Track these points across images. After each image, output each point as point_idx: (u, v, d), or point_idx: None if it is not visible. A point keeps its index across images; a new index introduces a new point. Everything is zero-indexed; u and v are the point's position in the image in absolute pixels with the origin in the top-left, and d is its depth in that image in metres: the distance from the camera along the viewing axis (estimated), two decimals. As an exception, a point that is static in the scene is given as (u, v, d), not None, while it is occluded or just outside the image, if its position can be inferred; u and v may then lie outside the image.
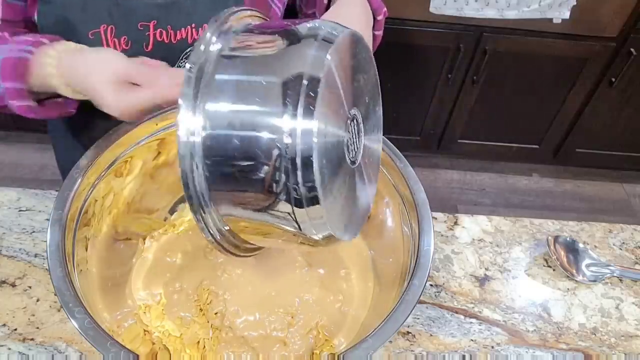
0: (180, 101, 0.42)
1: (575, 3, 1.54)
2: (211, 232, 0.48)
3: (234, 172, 0.42)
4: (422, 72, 1.74)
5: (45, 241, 0.57)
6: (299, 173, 0.39)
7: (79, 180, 0.63)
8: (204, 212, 0.46)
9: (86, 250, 0.64)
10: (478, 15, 1.58)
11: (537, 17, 1.58)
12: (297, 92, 0.38)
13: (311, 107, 0.38)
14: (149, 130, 0.71)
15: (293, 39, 0.43)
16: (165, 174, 0.77)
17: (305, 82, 0.38)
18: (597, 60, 1.72)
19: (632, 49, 1.66)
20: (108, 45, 0.70)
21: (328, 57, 0.39)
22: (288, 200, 0.41)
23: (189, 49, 0.74)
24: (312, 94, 0.38)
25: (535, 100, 1.86)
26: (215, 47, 0.44)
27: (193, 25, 0.73)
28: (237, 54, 0.44)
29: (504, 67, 1.74)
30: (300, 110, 0.38)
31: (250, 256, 0.59)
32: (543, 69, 1.75)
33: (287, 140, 0.38)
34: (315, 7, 0.84)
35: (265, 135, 0.39)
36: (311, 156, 0.38)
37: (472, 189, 2.10)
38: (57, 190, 0.62)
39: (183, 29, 0.72)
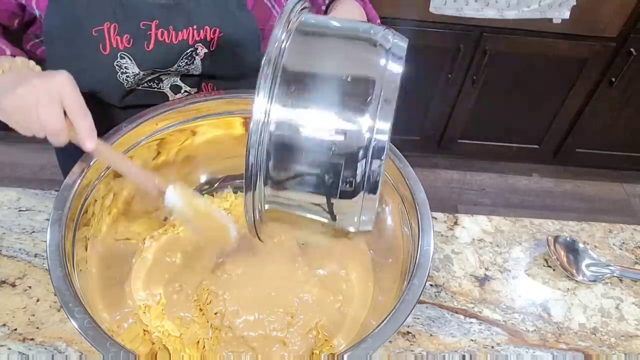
0: (257, 87, 0.43)
1: (575, 3, 1.54)
2: (253, 210, 0.48)
3: (299, 156, 0.43)
4: (422, 72, 1.74)
5: (45, 241, 0.57)
6: (367, 167, 0.42)
7: (79, 180, 0.63)
8: (255, 189, 0.45)
9: (86, 250, 0.64)
10: (478, 16, 1.58)
11: (537, 17, 1.58)
12: (377, 95, 0.42)
13: (388, 111, 0.42)
14: (148, 130, 0.71)
15: (361, 39, 0.46)
16: (165, 174, 0.77)
17: (382, 87, 0.43)
18: (597, 60, 1.72)
19: (632, 49, 1.66)
20: (111, 43, 0.71)
21: (400, 70, 0.44)
22: (345, 189, 0.43)
23: (189, 50, 0.75)
24: (389, 100, 0.42)
25: (535, 100, 1.86)
26: (284, 43, 0.44)
27: (194, 26, 0.73)
28: (308, 47, 0.46)
29: (504, 67, 1.74)
30: (379, 113, 0.42)
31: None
32: (543, 69, 1.75)
33: (367, 135, 0.42)
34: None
35: (342, 127, 0.42)
36: (383, 154, 0.42)
37: (472, 189, 2.10)
38: (57, 190, 0.62)
39: (185, 30, 0.73)
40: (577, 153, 2.03)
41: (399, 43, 0.47)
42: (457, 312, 0.76)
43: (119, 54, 0.72)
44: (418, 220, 0.62)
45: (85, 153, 0.65)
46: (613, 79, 1.74)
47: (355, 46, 0.46)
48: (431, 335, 0.73)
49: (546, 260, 0.84)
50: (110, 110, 0.81)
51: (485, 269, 0.82)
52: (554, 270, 0.82)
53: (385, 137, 0.42)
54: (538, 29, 1.62)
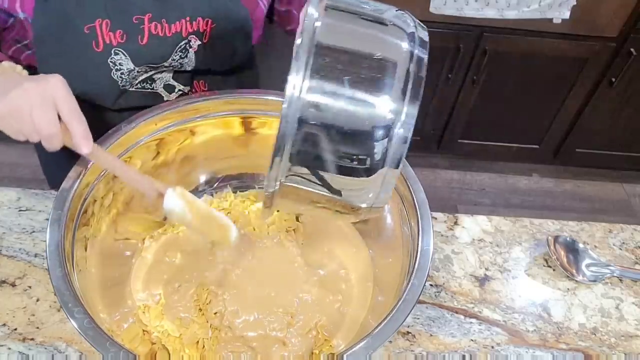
0: (293, 59, 0.43)
1: (575, 3, 1.54)
2: (275, 180, 0.48)
3: (330, 129, 0.44)
4: (422, 72, 1.74)
5: (45, 241, 0.57)
6: (394, 141, 0.44)
7: (79, 180, 0.63)
8: (281, 159, 0.45)
9: (85, 250, 0.64)
10: (478, 15, 1.58)
11: (537, 17, 1.58)
12: (405, 81, 0.44)
13: (417, 96, 0.44)
14: (148, 130, 0.71)
15: (387, 23, 0.47)
16: (164, 174, 0.77)
17: (412, 72, 0.44)
18: (597, 60, 1.72)
19: (632, 49, 1.66)
20: (104, 39, 0.71)
21: (427, 54, 0.46)
22: (370, 165, 0.45)
23: (182, 42, 0.75)
24: (417, 85, 0.44)
25: (535, 100, 1.86)
26: (318, 22, 0.45)
27: (187, 18, 0.73)
28: (341, 24, 0.46)
29: (504, 67, 1.74)
30: (408, 96, 0.44)
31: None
32: (543, 69, 1.75)
33: (391, 116, 0.43)
34: (292, 4, 0.84)
35: (374, 102, 0.43)
36: (409, 131, 0.44)
37: (472, 189, 2.10)
38: (56, 190, 0.62)
39: (177, 22, 0.73)
40: (577, 153, 2.03)
41: (422, 29, 0.49)
42: (457, 312, 0.76)
43: (112, 50, 0.72)
44: (418, 220, 0.62)
45: (82, 156, 0.65)
46: (613, 79, 1.74)
47: (385, 28, 0.47)
48: (431, 335, 0.73)
49: (546, 260, 0.84)
50: (104, 113, 0.81)
51: (485, 269, 0.82)
52: (554, 270, 0.82)
53: (414, 112, 0.44)
54: (538, 29, 1.62)
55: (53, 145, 0.58)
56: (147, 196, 0.62)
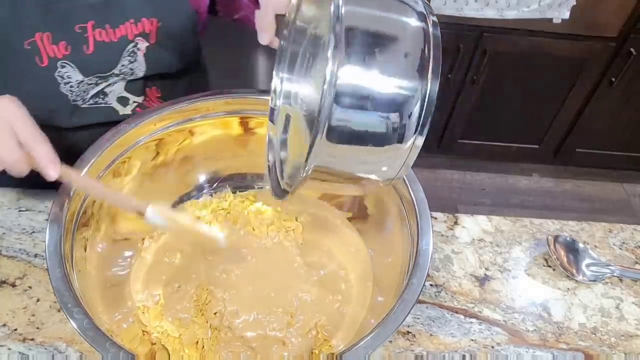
0: (328, 41, 0.45)
1: (575, 3, 1.54)
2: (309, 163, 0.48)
3: (365, 103, 0.46)
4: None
5: (45, 241, 0.57)
6: (422, 111, 0.47)
7: (78, 180, 0.63)
8: (320, 137, 0.46)
9: (85, 250, 0.64)
10: (478, 15, 1.58)
11: (537, 17, 1.58)
12: (427, 60, 0.47)
13: (438, 66, 0.47)
14: (147, 130, 0.71)
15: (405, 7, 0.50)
16: (163, 174, 0.77)
17: (431, 54, 0.47)
18: (597, 60, 1.72)
19: (632, 49, 1.66)
20: (47, 53, 0.68)
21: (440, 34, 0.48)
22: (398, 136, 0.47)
23: (130, 45, 0.73)
24: (436, 64, 0.47)
25: (535, 100, 1.86)
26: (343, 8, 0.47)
27: (131, 20, 0.71)
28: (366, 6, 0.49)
29: (504, 67, 1.74)
30: (430, 67, 0.47)
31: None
32: (543, 69, 1.75)
33: (424, 85, 0.47)
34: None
35: (405, 78, 0.46)
36: (434, 101, 0.47)
37: (472, 189, 2.10)
38: (57, 191, 0.62)
39: (122, 26, 0.71)
40: (577, 153, 2.03)
41: (432, 13, 0.51)
42: (457, 312, 0.76)
43: (58, 63, 0.69)
44: (417, 220, 0.62)
45: (83, 154, 0.65)
46: (613, 79, 1.74)
47: (406, 10, 0.49)
48: (431, 335, 0.73)
49: (546, 260, 0.84)
50: (61, 134, 0.78)
51: (485, 268, 0.82)
52: (554, 270, 0.82)
53: (436, 86, 0.47)
54: (538, 29, 1.62)
55: (19, 171, 0.54)
56: (130, 213, 0.61)
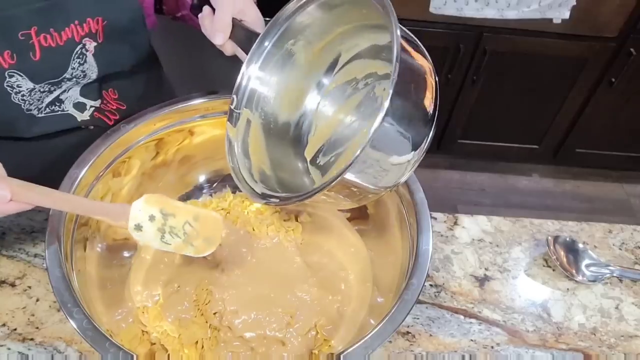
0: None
1: (575, 3, 1.54)
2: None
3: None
4: (422, 72, 1.74)
5: (45, 241, 0.57)
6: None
7: (78, 180, 0.63)
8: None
9: (85, 250, 0.64)
10: (478, 15, 1.58)
11: (537, 17, 1.58)
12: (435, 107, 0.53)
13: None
14: (147, 130, 0.71)
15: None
16: (163, 174, 0.77)
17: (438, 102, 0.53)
18: (597, 61, 1.72)
19: (631, 49, 1.66)
20: None
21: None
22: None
23: (77, 47, 0.70)
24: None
25: (535, 100, 1.86)
26: None
27: (76, 22, 0.68)
28: None
29: (504, 67, 1.74)
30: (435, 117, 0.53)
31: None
32: (543, 69, 1.75)
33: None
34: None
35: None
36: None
37: (472, 189, 2.10)
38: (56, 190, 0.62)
39: (67, 29, 0.68)
40: (577, 153, 2.03)
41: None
42: (456, 312, 0.76)
43: (6, 73, 0.66)
44: (417, 220, 0.62)
45: (83, 154, 0.65)
46: (613, 79, 1.74)
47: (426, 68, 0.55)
48: (431, 335, 0.73)
49: (546, 261, 0.84)
50: (22, 144, 0.76)
51: (485, 269, 0.82)
52: (553, 270, 0.82)
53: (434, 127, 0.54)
54: (538, 29, 1.62)
55: None
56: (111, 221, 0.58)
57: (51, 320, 0.70)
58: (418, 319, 0.74)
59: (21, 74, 0.68)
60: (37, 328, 0.69)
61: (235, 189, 0.83)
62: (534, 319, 0.76)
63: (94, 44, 0.72)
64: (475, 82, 1.77)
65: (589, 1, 1.55)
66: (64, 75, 0.71)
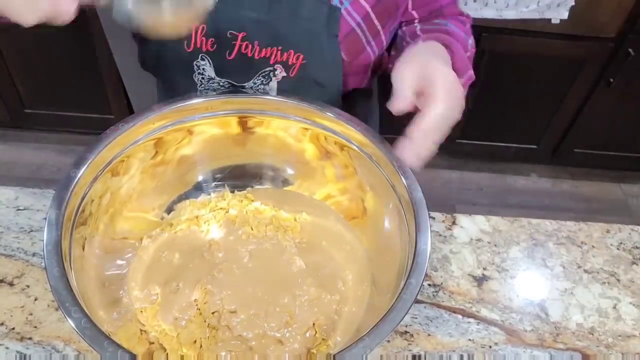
0: None
1: (573, 3, 1.54)
2: None
3: None
4: (420, 72, 1.74)
5: (43, 240, 0.57)
6: None
7: (76, 179, 0.63)
8: None
9: (83, 249, 0.64)
10: (477, 16, 1.58)
11: (536, 18, 1.58)
12: None
13: None
14: (146, 129, 0.71)
15: None
16: (162, 173, 0.77)
17: None
18: (596, 61, 1.72)
19: (630, 50, 1.66)
20: (195, 41, 0.73)
21: None
22: None
23: (267, 68, 0.75)
24: None
25: (533, 100, 1.86)
26: None
27: (279, 47, 0.74)
28: None
29: (502, 67, 1.74)
30: None
31: None
32: (541, 69, 1.75)
33: None
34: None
35: None
36: None
37: (470, 189, 2.10)
38: (54, 190, 0.62)
39: (269, 48, 0.74)
40: (575, 153, 2.03)
41: None
42: (455, 312, 0.76)
43: (200, 55, 0.74)
44: (415, 220, 0.62)
45: (82, 153, 0.65)
46: (611, 79, 1.74)
47: None
48: (429, 334, 0.73)
49: (544, 260, 0.84)
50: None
51: (483, 268, 0.82)
52: (551, 270, 0.83)
53: None
54: (537, 30, 1.62)
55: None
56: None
57: (49, 320, 0.70)
58: (416, 318, 0.75)
59: (211, 62, 0.75)
60: (36, 327, 0.69)
61: (234, 188, 0.83)
62: (532, 319, 0.76)
63: (284, 74, 0.76)
64: (474, 82, 1.77)
65: (588, 2, 1.55)
66: (244, 84, 0.78)
